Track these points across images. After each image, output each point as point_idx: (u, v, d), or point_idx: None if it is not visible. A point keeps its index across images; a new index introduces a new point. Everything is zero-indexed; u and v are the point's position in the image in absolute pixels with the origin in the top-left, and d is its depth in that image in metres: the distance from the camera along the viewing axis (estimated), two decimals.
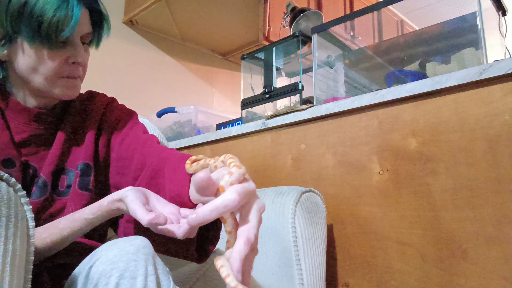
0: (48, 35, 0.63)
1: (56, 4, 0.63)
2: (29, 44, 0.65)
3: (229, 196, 0.41)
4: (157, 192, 0.62)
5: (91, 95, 0.82)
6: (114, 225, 0.75)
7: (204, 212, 0.40)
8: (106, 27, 0.74)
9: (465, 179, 0.84)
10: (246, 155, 1.30)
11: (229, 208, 0.40)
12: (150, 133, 0.78)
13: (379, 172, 0.98)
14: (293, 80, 1.70)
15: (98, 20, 0.72)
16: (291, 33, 1.50)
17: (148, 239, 0.54)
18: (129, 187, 0.56)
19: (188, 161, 0.54)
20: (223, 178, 0.43)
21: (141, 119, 1.11)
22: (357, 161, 1.03)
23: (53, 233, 0.58)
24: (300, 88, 1.30)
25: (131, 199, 0.52)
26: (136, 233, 0.65)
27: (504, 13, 1.16)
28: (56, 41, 0.65)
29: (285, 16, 1.70)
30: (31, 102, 0.71)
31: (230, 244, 0.43)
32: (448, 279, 0.85)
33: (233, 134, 1.34)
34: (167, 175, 0.60)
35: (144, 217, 0.48)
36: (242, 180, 0.44)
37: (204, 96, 2.41)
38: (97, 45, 0.75)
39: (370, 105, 1.01)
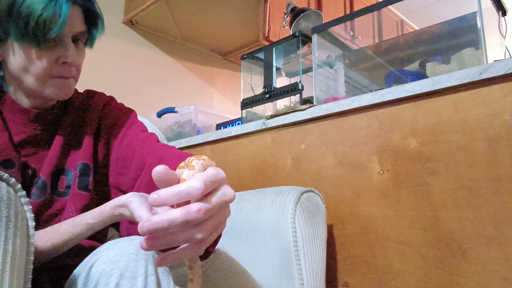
0: (35, 34, 0.62)
1: (44, 3, 0.61)
2: (18, 44, 0.64)
3: (195, 183, 0.40)
4: None
5: (90, 94, 0.82)
6: (115, 224, 0.75)
7: (166, 194, 0.40)
8: (100, 26, 0.73)
9: (465, 179, 0.84)
10: (246, 155, 1.30)
11: (192, 196, 0.40)
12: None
13: (379, 172, 0.98)
14: (293, 80, 1.70)
15: (92, 19, 0.71)
16: (291, 33, 1.50)
17: None
18: (132, 193, 0.55)
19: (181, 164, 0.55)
20: (194, 161, 0.44)
21: (141, 119, 1.10)
22: (357, 161, 1.03)
23: (53, 237, 0.58)
24: (300, 88, 1.30)
25: (136, 205, 0.52)
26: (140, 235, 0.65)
27: (504, 13, 1.16)
28: (44, 40, 0.63)
29: (285, 16, 1.70)
30: (25, 102, 0.71)
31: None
32: (448, 279, 0.85)
33: (233, 134, 1.34)
34: None
35: None
36: (208, 166, 0.45)
37: (204, 96, 2.41)
38: (91, 45, 0.74)
39: (370, 105, 1.01)
